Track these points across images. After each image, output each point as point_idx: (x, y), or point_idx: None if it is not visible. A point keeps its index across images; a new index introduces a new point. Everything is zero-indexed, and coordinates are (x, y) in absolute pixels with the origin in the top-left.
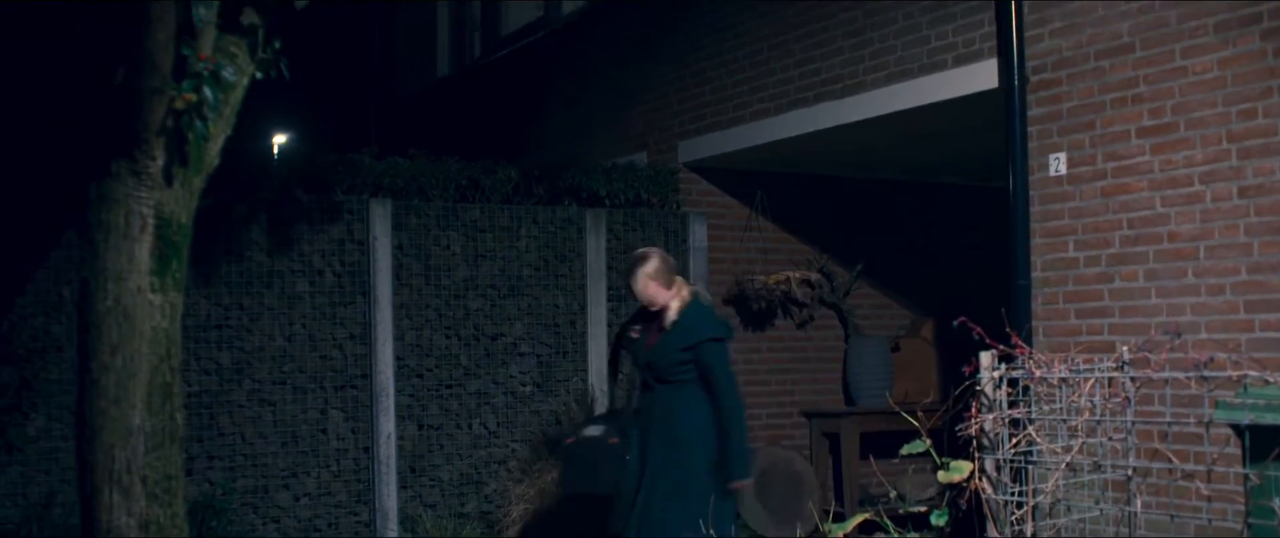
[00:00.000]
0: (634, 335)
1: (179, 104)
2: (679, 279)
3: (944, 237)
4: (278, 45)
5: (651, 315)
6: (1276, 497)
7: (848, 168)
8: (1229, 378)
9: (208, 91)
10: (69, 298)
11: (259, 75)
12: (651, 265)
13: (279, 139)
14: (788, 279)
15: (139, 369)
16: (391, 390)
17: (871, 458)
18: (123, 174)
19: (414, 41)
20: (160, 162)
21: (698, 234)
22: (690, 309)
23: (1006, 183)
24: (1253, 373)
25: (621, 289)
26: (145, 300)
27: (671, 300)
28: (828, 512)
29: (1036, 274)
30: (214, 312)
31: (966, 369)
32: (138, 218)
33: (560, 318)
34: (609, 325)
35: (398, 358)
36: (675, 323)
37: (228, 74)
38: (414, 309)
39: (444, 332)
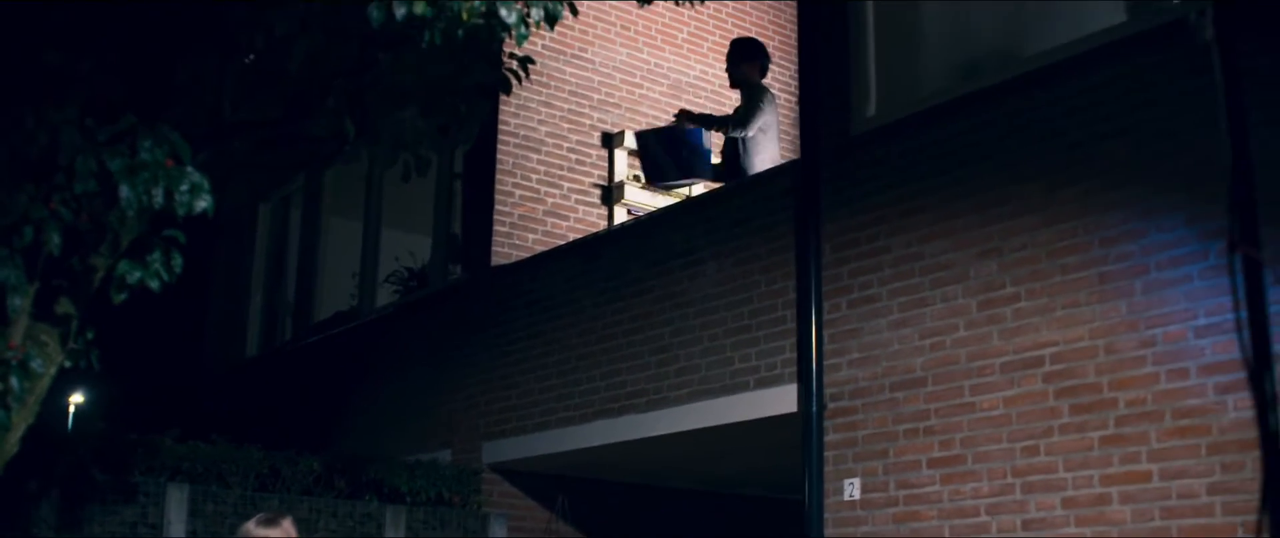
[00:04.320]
0: None
1: None
2: None
3: None
4: (90, 335)
5: None
6: None
7: (652, 477)
8: None
9: (14, 381)
10: None
11: (68, 364)
12: None
13: (76, 399)
14: None
15: None
16: None
17: None
18: None
19: (226, 319)
20: None
21: (497, 536)
22: None
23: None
24: None
25: None
26: None
27: None
28: None
29: None
30: None
31: None
32: None
33: None
34: None
35: None
36: None
37: (36, 365)
38: None
39: None
